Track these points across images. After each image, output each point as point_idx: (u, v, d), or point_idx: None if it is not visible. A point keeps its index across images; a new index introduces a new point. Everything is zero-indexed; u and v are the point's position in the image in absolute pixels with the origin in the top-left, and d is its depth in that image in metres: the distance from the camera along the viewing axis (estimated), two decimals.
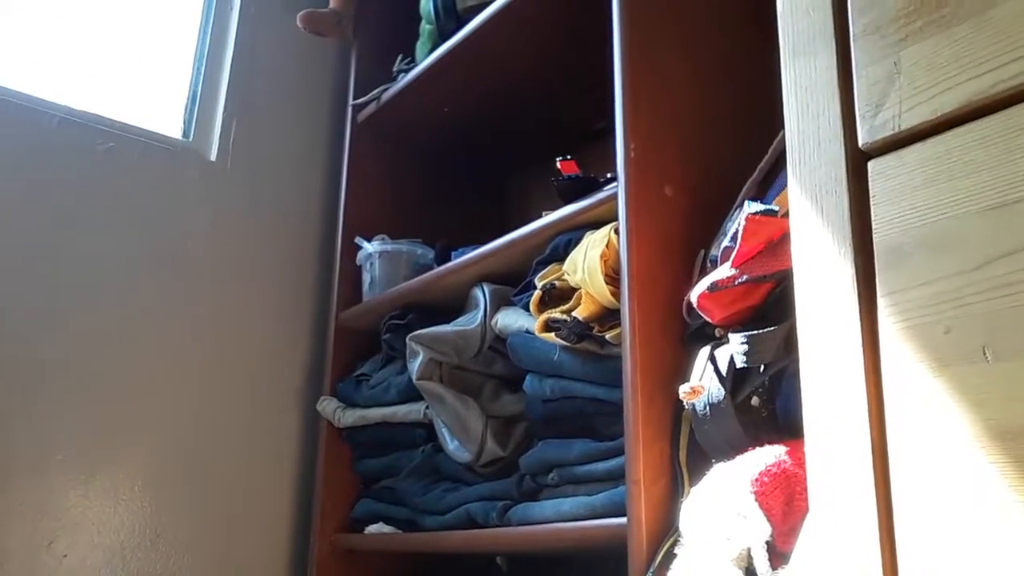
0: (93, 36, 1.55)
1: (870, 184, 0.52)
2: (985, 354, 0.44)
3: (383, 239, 1.47)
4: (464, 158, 1.71)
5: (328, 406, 1.43)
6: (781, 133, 0.96)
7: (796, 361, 0.84)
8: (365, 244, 1.47)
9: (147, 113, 1.54)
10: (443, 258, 1.38)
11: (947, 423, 0.45)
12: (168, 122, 1.56)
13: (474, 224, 1.63)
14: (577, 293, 1.05)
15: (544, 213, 1.15)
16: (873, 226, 0.51)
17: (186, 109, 1.58)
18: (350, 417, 1.40)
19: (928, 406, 0.46)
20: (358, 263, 1.49)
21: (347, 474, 1.44)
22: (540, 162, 1.67)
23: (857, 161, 0.53)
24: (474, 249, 1.27)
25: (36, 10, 1.49)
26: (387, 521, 1.35)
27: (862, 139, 0.53)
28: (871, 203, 0.51)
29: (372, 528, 1.35)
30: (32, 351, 1.29)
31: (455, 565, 1.43)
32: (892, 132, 0.51)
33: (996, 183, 0.45)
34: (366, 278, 1.48)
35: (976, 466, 0.44)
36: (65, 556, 1.26)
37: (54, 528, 1.26)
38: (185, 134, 1.56)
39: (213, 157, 1.54)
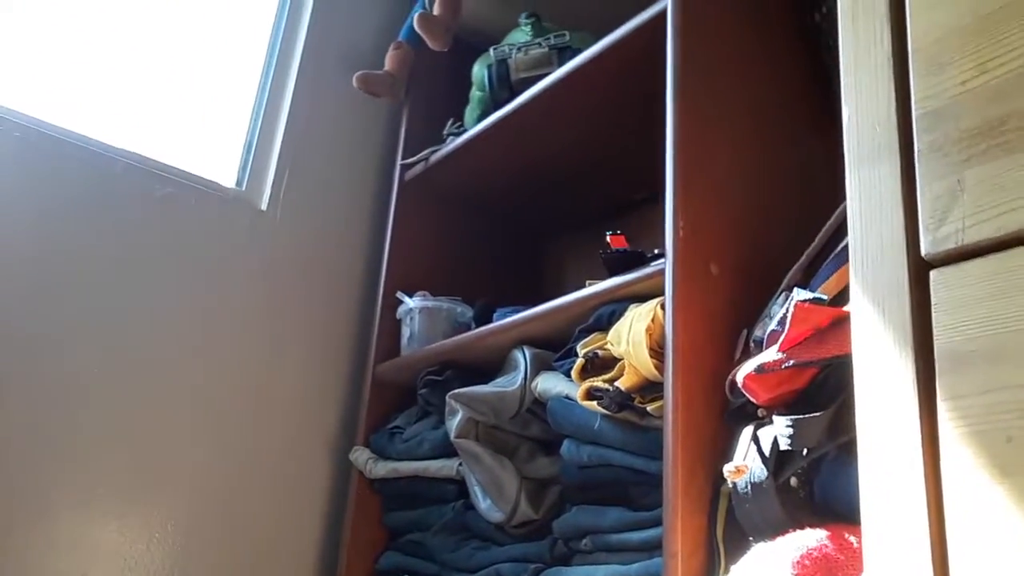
0: (156, 84, 1.61)
1: (932, 292, 0.55)
2: None
3: (424, 295, 1.51)
4: (505, 221, 1.76)
5: (360, 456, 1.46)
6: (829, 221, 1.00)
7: (838, 447, 0.86)
8: (406, 299, 1.51)
9: (202, 161, 1.60)
10: (483, 317, 1.41)
11: (1009, 531, 0.47)
12: (222, 171, 1.62)
13: (511, 285, 1.67)
14: (620, 363, 1.08)
15: (588, 282, 1.18)
16: (934, 332, 0.54)
17: (241, 158, 1.64)
18: (382, 469, 1.42)
19: (990, 512, 0.48)
20: (398, 317, 1.53)
21: (375, 526, 1.46)
22: (579, 229, 1.72)
23: (919, 269, 0.56)
24: (515, 311, 1.30)
25: (107, 59, 1.56)
26: (411, 575, 1.36)
27: (924, 249, 0.56)
28: (932, 310, 0.54)
29: None
30: (81, 389, 1.32)
31: None
32: (955, 245, 0.54)
33: None
34: (405, 332, 1.51)
35: None
36: None
37: (88, 561, 1.28)
38: (238, 183, 1.62)
39: (264, 206, 1.59)
